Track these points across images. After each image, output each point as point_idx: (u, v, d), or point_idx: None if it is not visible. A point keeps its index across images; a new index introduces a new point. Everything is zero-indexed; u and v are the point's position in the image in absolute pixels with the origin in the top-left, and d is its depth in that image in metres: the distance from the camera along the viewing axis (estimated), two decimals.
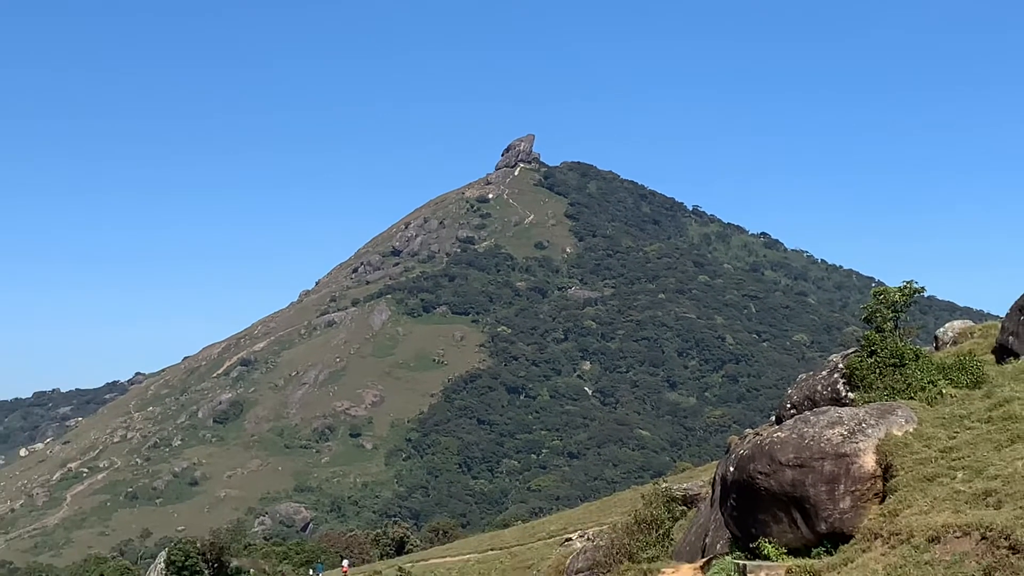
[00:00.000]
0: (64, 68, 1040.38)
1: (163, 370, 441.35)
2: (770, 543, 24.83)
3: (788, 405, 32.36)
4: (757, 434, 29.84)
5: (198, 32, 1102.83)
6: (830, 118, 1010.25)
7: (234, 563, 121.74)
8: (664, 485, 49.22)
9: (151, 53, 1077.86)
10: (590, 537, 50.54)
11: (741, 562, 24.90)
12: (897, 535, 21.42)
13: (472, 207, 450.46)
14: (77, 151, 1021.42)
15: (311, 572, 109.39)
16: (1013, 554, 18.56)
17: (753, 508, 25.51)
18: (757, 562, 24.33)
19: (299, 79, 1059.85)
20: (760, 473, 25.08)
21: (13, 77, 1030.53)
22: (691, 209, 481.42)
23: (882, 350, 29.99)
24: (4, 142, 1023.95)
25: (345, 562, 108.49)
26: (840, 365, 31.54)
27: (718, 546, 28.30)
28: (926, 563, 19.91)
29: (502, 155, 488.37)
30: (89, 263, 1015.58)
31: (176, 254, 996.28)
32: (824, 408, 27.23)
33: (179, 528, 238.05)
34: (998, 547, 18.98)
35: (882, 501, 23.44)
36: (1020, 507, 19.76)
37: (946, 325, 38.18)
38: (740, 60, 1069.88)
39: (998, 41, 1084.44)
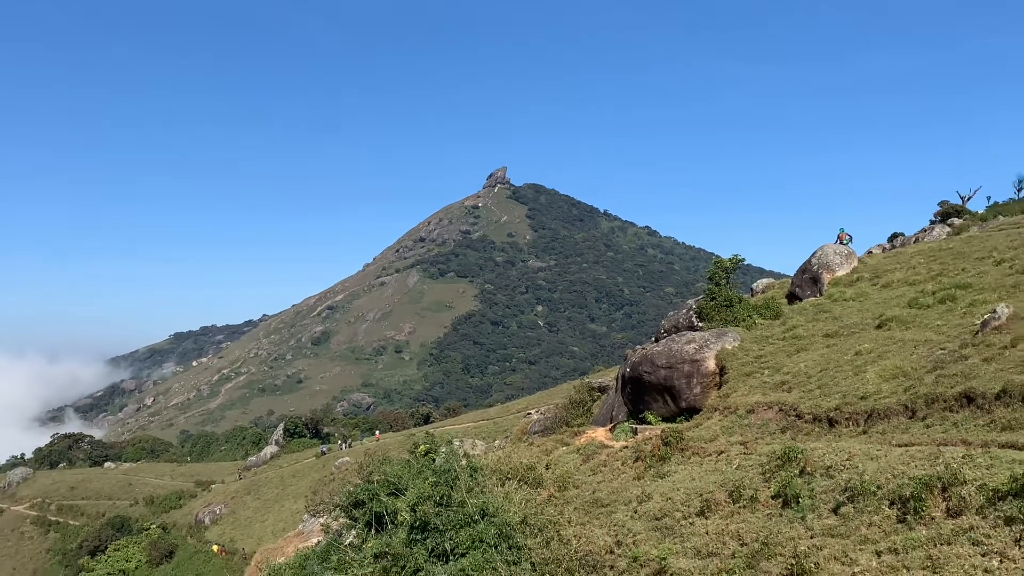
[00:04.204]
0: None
1: (280, 312, 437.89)
2: (651, 414, 24.99)
3: (662, 331, 32.46)
4: (643, 348, 29.92)
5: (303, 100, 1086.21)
6: (688, 153, 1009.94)
7: (325, 430, 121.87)
8: (587, 380, 49.43)
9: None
10: (542, 412, 50.73)
11: (634, 425, 25.06)
12: (728, 408, 21.58)
13: (469, 211, 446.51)
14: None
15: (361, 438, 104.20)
16: (799, 419, 18.76)
17: (641, 393, 25.63)
18: (644, 426, 24.49)
19: (372, 134, 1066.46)
20: (645, 372, 25.18)
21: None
22: (603, 212, 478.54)
23: (719, 297, 30.12)
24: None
25: (376, 432, 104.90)
26: (694, 306, 31.64)
27: (620, 417, 28.44)
28: (745, 425, 20.08)
29: (487, 179, 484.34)
30: (240, 246, 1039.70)
31: (290, 240, 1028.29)
32: (684, 332, 27.32)
33: (291, 409, 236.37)
34: (789, 415, 19.16)
35: (719, 388, 23.58)
36: (803, 391, 19.93)
37: (758, 281, 38.35)
38: (632, 116, 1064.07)
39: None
